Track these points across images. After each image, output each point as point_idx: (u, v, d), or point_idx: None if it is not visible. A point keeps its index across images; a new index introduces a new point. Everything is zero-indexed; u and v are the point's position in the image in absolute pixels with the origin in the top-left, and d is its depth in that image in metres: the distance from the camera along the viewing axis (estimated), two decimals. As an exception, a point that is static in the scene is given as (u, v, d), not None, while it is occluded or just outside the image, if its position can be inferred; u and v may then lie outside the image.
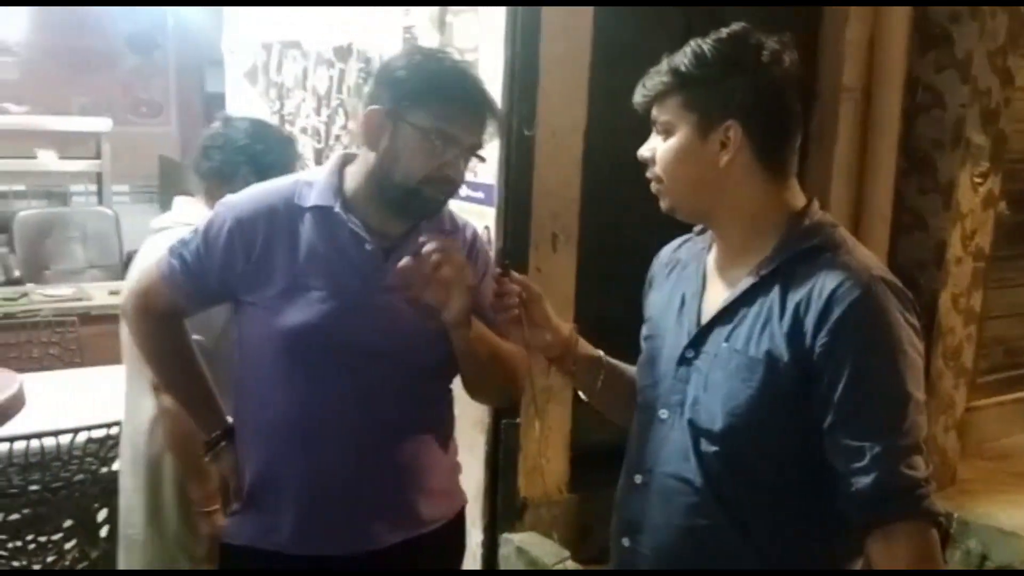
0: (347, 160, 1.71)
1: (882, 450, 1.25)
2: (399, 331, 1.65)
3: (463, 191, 2.57)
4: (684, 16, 2.69)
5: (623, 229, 2.73)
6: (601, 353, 1.64)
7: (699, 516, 1.39)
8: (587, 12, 2.48)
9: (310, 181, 1.68)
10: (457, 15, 2.54)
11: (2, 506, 2.24)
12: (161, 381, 1.89)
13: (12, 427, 2.21)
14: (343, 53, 3.66)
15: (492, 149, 2.46)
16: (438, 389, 1.78)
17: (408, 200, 1.61)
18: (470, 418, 2.62)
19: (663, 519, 1.43)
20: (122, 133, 5.51)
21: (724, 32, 1.38)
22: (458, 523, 1.84)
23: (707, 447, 1.37)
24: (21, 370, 3.32)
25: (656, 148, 1.42)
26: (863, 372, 1.27)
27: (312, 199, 1.65)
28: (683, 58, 1.38)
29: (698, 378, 1.40)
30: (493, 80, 2.44)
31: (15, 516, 2.29)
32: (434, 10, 2.60)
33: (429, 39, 2.66)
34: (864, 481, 1.26)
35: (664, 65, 1.40)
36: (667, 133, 1.40)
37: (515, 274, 1.57)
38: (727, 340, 1.38)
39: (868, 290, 1.28)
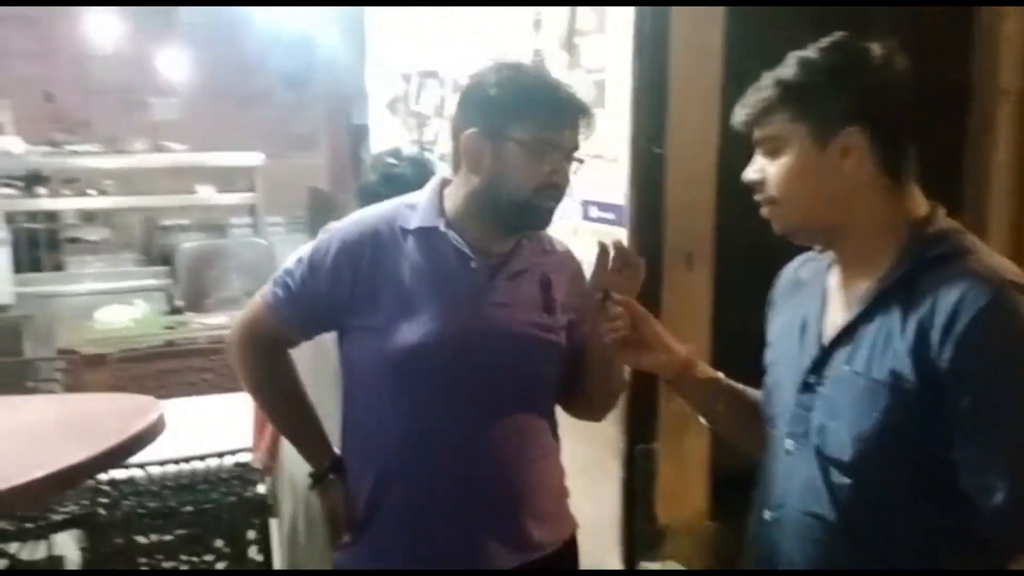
0: (444, 184, 1.72)
1: (1015, 469, 1.16)
2: (509, 348, 1.65)
3: (593, 212, 2.56)
4: (821, 28, 2.59)
5: (762, 245, 2.61)
6: (720, 375, 1.58)
7: (834, 555, 1.31)
8: (717, 27, 2.42)
9: (412, 204, 1.70)
10: (584, 36, 2.52)
11: (157, 527, 2.35)
12: (266, 413, 1.89)
13: (167, 451, 2.31)
14: (480, 80, 3.68)
15: (622, 169, 2.43)
16: (546, 407, 1.76)
17: (522, 213, 1.63)
18: (602, 443, 2.58)
19: (799, 557, 1.34)
20: (275, 166, 5.77)
21: (826, 42, 1.31)
22: (571, 549, 1.82)
23: (838, 479, 1.29)
24: (177, 395, 3.51)
25: (765, 169, 1.35)
26: (993, 384, 1.17)
27: (416, 221, 1.67)
28: (788, 69, 1.31)
29: (823, 405, 1.32)
30: (621, 99, 2.41)
31: (169, 537, 2.39)
32: (562, 32, 2.60)
33: (558, 61, 2.66)
34: (996, 504, 1.16)
35: (767, 79, 1.32)
36: (776, 151, 1.33)
37: (617, 295, 1.52)
38: (848, 363, 1.29)
39: (997, 296, 1.18)
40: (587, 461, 2.63)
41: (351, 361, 1.72)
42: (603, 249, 1.64)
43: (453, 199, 1.69)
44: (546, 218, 1.67)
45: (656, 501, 2.57)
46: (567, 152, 1.64)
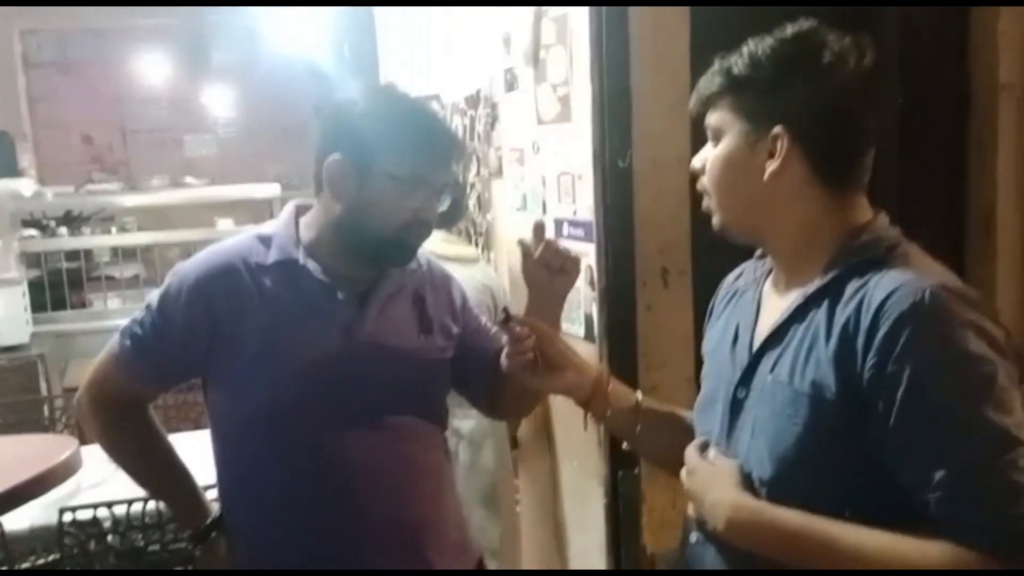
0: (301, 211, 1.64)
1: (954, 482, 1.05)
2: (390, 379, 1.57)
3: (566, 230, 2.48)
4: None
5: (745, 256, 2.53)
6: (638, 395, 1.49)
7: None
8: (683, 36, 2.32)
9: (265, 236, 1.59)
10: (549, 50, 2.46)
11: (124, 568, 2.31)
12: (133, 478, 1.74)
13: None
14: (473, 101, 3.66)
15: (589, 184, 2.36)
16: (435, 431, 1.68)
17: (386, 248, 1.54)
18: (587, 470, 2.49)
19: None
20: (294, 196, 5.78)
21: (788, 30, 1.24)
22: None
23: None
24: (181, 429, 3.49)
25: (707, 157, 1.29)
26: (919, 391, 1.07)
27: (273, 255, 1.56)
28: (737, 58, 1.24)
29: (748, 419, 1.24)
30: (585, 113, 2.34)
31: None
32: (527, 47, 2.54)
33: (525, 76, 2.60)
34: (943, 519, 1.06)
35: (717, 66, 1.27)
36: (716, 140, 1.28)
37: (517, 316, 1.45)
38: (772, 371, 1.21)
39: (921, 298, 1.09)
40: (573, 488, 2.55)
41: (220, 412, 1.61)
42: (533, 236, 1.55)
43: (312, 227, 1.59)
44: (410, 255, 1.59)
45: (643, 528, 2.46)
46: (438, 189, 1.56)
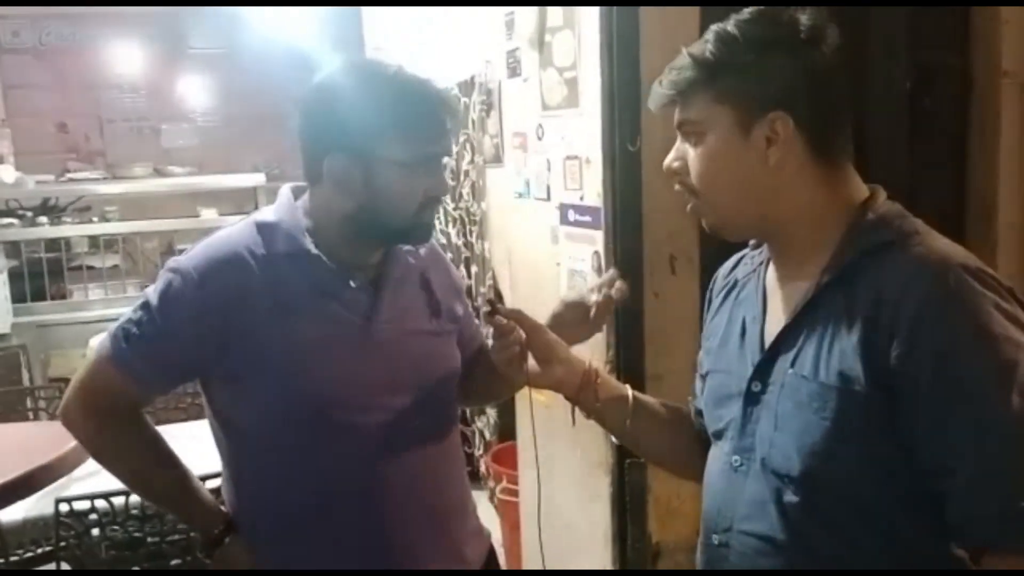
0: (298, 193, 1.55)
1: (975, 468, 1.04)
2: (409, 365, 1.53)
3: (572, 216, 2.45)
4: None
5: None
6: (628, 389, 1.46)
7: None
8: (692, 19, 2.30)
9: (267, 223, 1.49)
10: (555, 33, 2.42)
11: (121, 558, 2.26)
12: (132, 487, 1.65)
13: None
14: (467, 87, 3.62)
15: (597, 170, 2.32)
16: (454, 415, 1.64)
17: (406, 232, 1.50)
18: (593, 459, 2.46)
19: None
20: (278, 186, 5.70)
21: (747, 13, 1.18)
22: (492, 561, 1.72)
23: (788, 496, 1.17)
24: (170, 420, 3.44)
25: (686, 155, 1.22)
26: (945, 375, 1.05)
27: (282, 245, 1.47)
28: (707, 45, 1.18)
29: (768, 415, 1.20)
30: (593, 97, 2.30)
31: (135, 568, 2.30)
32: (532, 31, 2.50)
33: (530, 60, 2.56)
34: (960, 507, 1.05)
35: (684, 57, 1.19)
36: (698, 136, 1.20)
37: (503, 307, 1.40)
38: (792, 366, 1.17)
39: (943, 281, 1.06)
40: (579, 477, 2.52)
41: (231, 414, 1.51)
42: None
43: (314, 216, 1.50)
44: (430, 232, 1.54)
45: (649, 517, 2.44)
46: (443, 156, 1.51)
